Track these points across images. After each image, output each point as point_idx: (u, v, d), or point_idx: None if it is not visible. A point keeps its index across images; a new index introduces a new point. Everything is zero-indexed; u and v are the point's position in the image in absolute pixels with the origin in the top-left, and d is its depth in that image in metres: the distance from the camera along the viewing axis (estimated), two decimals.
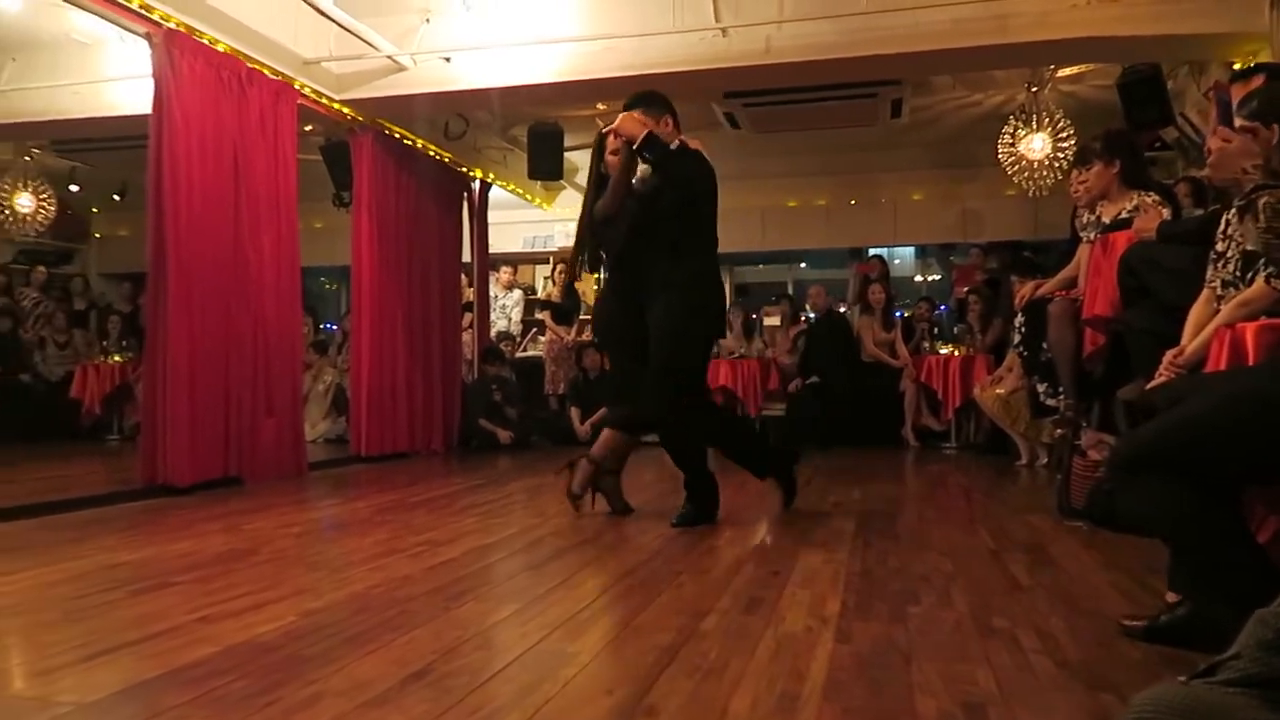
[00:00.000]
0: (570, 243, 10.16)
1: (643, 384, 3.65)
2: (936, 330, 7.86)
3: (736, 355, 8.01)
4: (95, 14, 4.61)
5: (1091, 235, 3.94)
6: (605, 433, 3.98)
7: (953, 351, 7.32)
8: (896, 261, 10.58)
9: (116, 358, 8.49)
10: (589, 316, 9.74)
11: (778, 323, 8.33)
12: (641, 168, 3.62)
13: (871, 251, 9.10)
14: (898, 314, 8.10)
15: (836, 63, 5.37)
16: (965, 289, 8.01)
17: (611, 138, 3.63)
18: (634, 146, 3.48)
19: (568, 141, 7.76)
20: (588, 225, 3.69)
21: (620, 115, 3.56)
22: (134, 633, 2.10)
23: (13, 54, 6.25)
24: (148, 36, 4.72)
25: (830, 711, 1.59)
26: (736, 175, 9.21)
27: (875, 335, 7.64)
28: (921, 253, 10.89)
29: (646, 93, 3.76)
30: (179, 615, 2.25)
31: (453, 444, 7.47)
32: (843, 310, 8.99)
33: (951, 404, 7.16)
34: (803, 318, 8.77)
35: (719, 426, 4.06)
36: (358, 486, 5.25)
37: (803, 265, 10.96)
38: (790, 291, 9.91)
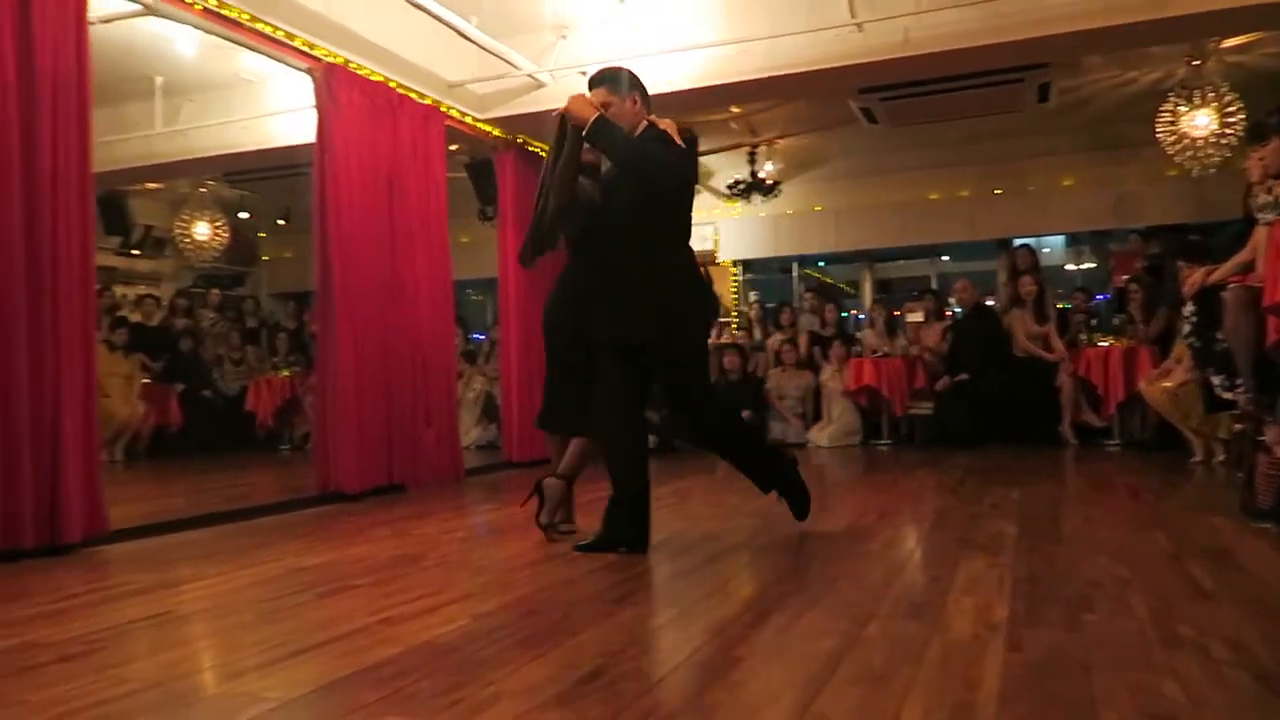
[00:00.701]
0: (706, 246, 10.26)
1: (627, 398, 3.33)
2: (1094, 321, 7.48)
3: (880, 353, 7.86)
4: (263, 54, 4.94)
5: (1270, 216, 3.68)
6: (571, 445, 3.59)
7: (1113, 343, 6.96)
8: (1046, 251, 10.11)
9: (285, 372, 9.06)
10: (729, 319, 9.79)
11: (921, 319, 8.12)
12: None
13: (1018, 241, 8.74)
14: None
15: (979, 50, 5.20)
16: (1125, 277, 7.60)
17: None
18: (582, 132, 3.15)
19: (702, 146, 7.79)
20: (541, 213, 3.38)
21: (571, 96, 3.24)
22: (324, 633, 2.25)
23: (190, 95, 6.78)
24: (309, 71, 5.04)
25: None
26: (874, 170, 9.08)
27: (1028, 328, 7.34)
28: (1073, 241, 10.37)
29: (610, 69, 3.36)
30: (362, 617, 2.39)
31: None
32: (990, 303, 8.68)
33: (1114, 399, 6.81)
34: (947, 312, 8.52)
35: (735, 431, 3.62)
36: (512, 491, 5.42)
37: (945, 259, 10.61)
38: (934, 286, 9.63)
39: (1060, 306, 7.94)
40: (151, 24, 4.98)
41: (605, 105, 3.20)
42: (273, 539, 3.78)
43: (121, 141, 6.75)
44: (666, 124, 3.28)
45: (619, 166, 3.25)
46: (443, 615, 2.39)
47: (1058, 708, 1.62)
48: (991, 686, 1.73)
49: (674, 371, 3.27)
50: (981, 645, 1.98)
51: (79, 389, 3.55)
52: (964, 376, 7.40)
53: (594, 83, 3.30)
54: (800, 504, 3.50)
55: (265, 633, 2.29)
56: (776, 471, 3.49)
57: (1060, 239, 10.38)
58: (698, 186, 9.11)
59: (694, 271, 3.38)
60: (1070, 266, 10.56)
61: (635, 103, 3.27)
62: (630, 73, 3.34)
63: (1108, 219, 8.65)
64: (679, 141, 3.25)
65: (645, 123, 3.27)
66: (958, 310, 8.38)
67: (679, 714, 1.63)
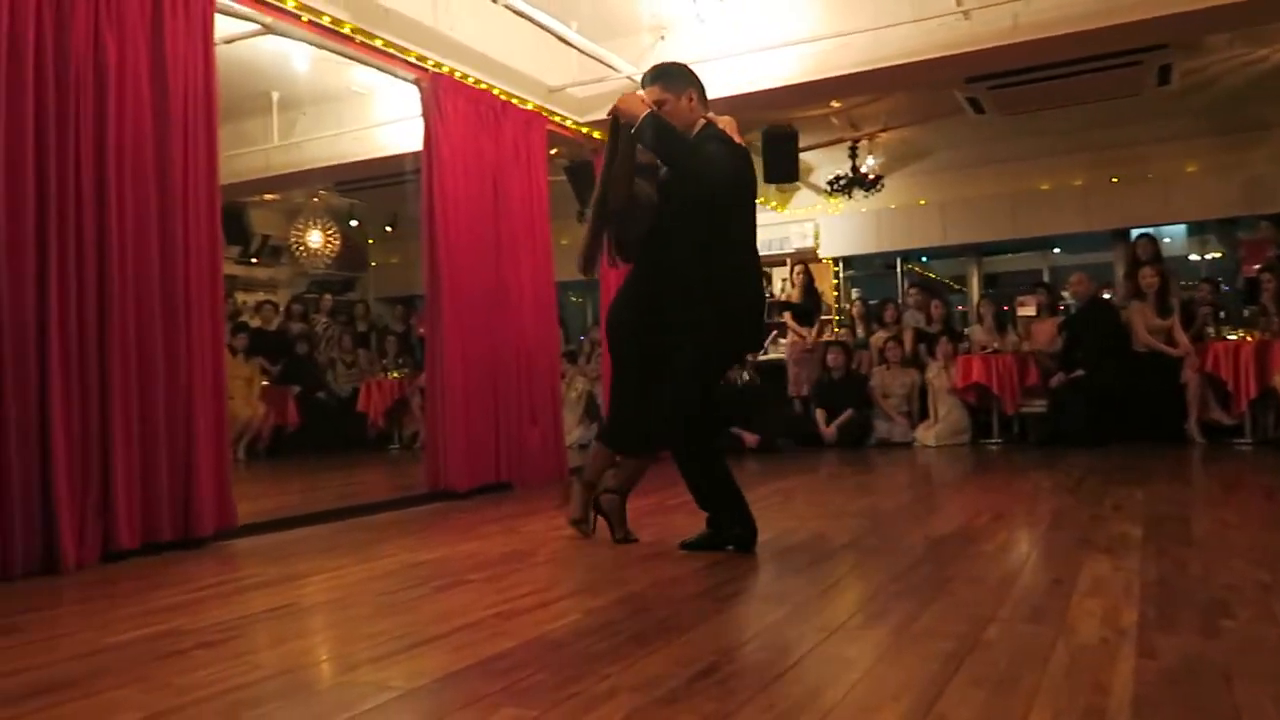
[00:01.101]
0: (806, 243, 10.15)
1: (653, 398, 3.23)
2: (1222, 314, 7.10)
3: (990, 350, 7.63)
4: (373, 67, 5.12)
5: None
6: (592, 448, 3.57)
7: (1244, 337, 6.59)
8: (1166, 241, 9.65)
9: (394, 374, 9.35)
10: (830, 316, 9.66)
11: (1033, 313, 7.84)
12: None
13: (1137, 231, 8.36)
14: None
15: (1094, 33, 5.00)
16: (1256, 266, 7.19)
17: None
18: (631, 130, 3.03)
19: (801, 142, 7.72)
20: (600, 216, 3.28)
21: (623, 93, 3.16)
22: (440, 626, 2.32)
23: (304, 109, 7.06)
24: (417, 82, 5.19)
25: None
26: (981, 161, 8.82)
27: (1149, 322, 7.01)
28: (1197, 229, 9.87)
29: (666, 65, 3.23)
30: (477, 611, 2.45)
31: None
32: (1107, 296, 8.34)
33: (1244, 395, 6.45)
34: (1060, 307, 8.21)
35: (712, 464, 3.25)
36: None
37: (1057, 251, 10.24)
38: (1046, 279, 9.30)
39: (1184, 299, 7.58)
40: (270, 42, 5.21)
41: (659, 103, 3.06)
42: (387, 535, 3.90)
43: (242, 155, 7.08)
44: (726, 122, 3.14)
45: (669, 167, 3.12)
46: (555, 610, 2.43)
47: (1200, 717, 1.55)
48: (1123, 693, 1.66)
49: (681, 354, 3.10)
50: (1111, 650, 1.91)
51: (210, 392, 3.74)
52: (1080, 373, 7.12)
53: (648, 79, 3.16)
54: (745, 536, 3.18)
55: (384, 625, 2.36)
56: (724, 498, 3.23)
57: (1182, 228, 9.91)
58: (796, 185, 9.10)
59: (745, 281, 3.18)
60: (1194, 256, 10.07)
61: (691, 100, 3.11)
62: (686, 68, 3.19)
63: (1235, 206, 8.21)
64: (738, 139, 3.12)
65: (703, 121, 3.12)
66: (1072, 304, 8.07)
67: (794, 712, 1.61)
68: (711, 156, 3.02)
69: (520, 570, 3.01)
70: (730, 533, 3.17)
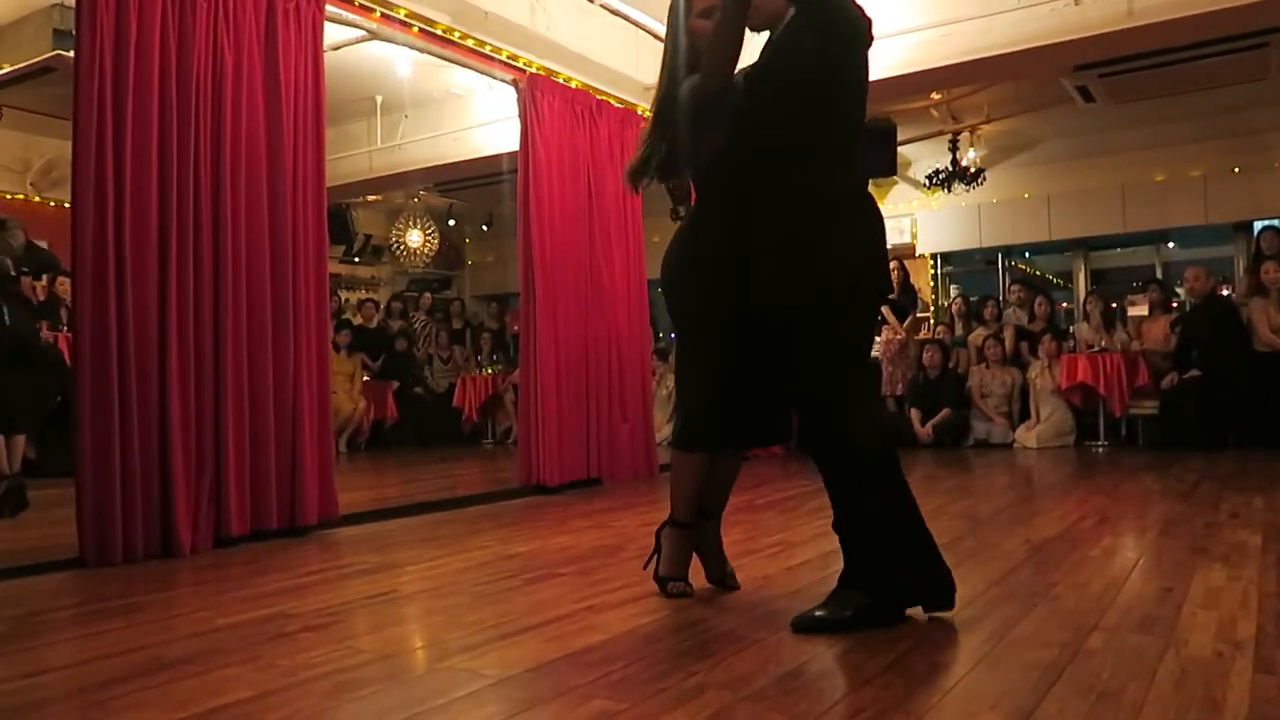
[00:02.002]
0: (903, 239, 9.96)
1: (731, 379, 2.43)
2: None
3: (1096, 349, 7.33)
4: (471, 68, 5.24)
5: None
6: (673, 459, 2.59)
7: None
8: None
9: (489, 370, 9.53)
10: (927, 314, 9.44)
11: (1145, 312, 7.51)
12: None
13: (1260, 224, 7.91)
14: None
15: (1215, 15, 4.74)
16: None
17: None
18: None
19: (900, 136, 7.57)
20: (664, 124, 2.47)
21: None
22: (534, 617, 2.36)
23: (405, 111, 7.26)
24: (514, 83, 5.28)
25: None
26: (1090, 152, 8.49)
27: (1272, 320, 6.63)
28: None
29: None
30: (569, 604, 2.49)
31: (791, 447, 7.52)
32: (1226, 293, 7.92)
33: None
34: (1174, 304, 7.85)
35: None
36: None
37: (1170, 245, 9.77)
38: (1158, 275, 8.89)
39: None
40: (374, 48, 5.38)
41: None
42: (481, 527, 3.99)
43: (346, 158, 7.32)
44: None
45: (811, 18, 2.23)
46: (644, 606, 2.44)
47: None
48: (1238, 709, 1.58)
49: (809, 355, 2.23)
50: (1225, 664, 1.82)
51: (315, 386, 3.89)
52: (1195, 373, 6.78)
53: None
54: (940, 591, 2.22)
55: (479, 614, 2.42)
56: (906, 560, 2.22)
57: None
58: (893, 179, 8.91)
59: (868, 201, 2.35)
60: None
61: None
62: None
63: None
64: None
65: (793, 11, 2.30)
66: (1187, 301, 7.70)
67: (886, 716, 1.59)
68: (858, 18, 2.29)
69: (610, 565, 3.04)
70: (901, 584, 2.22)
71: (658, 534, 2.59)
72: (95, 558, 3.14)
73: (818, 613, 2.17)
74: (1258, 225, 7.83)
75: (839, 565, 2.96)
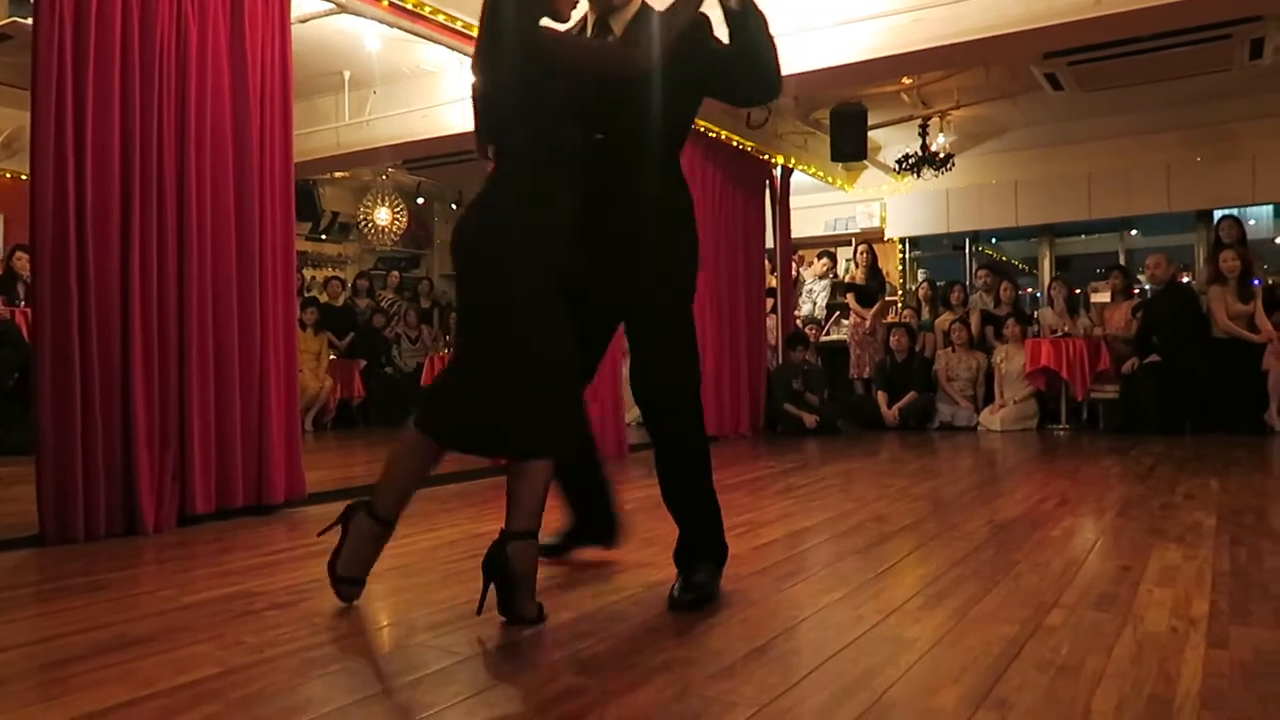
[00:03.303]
0: (872, 223, 10.01)
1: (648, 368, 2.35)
2: None
3: (1060, 334, 7.44)
4: (443, 44, 5.16)
5: None
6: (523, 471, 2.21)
7: None
8: (1251, 223, 9.29)
9: None
10: (894, 297, 9.52)
11: (1108, 298, 7.62)
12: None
13: (1220, 213, 8.06)
14: (1255, 282, 7.10)
15: (1181, 6, 4.79)
16: None
17: None
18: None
19: (870, 120, 7.60)
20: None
21: None
22: None
23: (374, 87, 7.16)
24: None
25: None
26: (1057, 140, 8.58)
27: (1230, 307, 6.76)
28: None
29: None
30: (540, 581, 2.48)
31: (759, 428, 7.59)
32: (1187, 280, 8.07)
33: None
34: (1135, 290, 7.97)
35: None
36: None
37: (1134, 233, 9.93)
38: (1121, 262, 9.03)
39: (1268, 283, 7.29)
40: (343, 21, 5.29)
41: None
42: (450, 506, 3.98)
43: (313, 134, 7.21)
44: None
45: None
46: (614, 584, 2.46)
47: (1272, 711, 1.51)
48: (1192, 683, 1.62)
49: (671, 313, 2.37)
50: (1180, 639, 1.87)
51: (282, 364, 3.85)
52: (1155, 358, 6.91)
53: None
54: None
55: (447, 592, 2.42)
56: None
57: (1268, 209, 9.53)
58: (863, 163, 8.95)
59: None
60: None
61: None
62: None
63: None
64: None
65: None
66: (1148, 288, 7.82)
67: (854, 689, 1.62)
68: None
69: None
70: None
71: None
72: (56, 535, 3.09)
73: (687, 595, 2.22)
74: (1217, 214, 7.98)
75: (806, 545, 3.00)
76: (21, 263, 6.69)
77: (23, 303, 6.25)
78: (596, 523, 2.75)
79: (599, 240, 2.28)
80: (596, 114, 2.24)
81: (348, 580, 2.24)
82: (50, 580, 2.67)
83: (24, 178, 6.03)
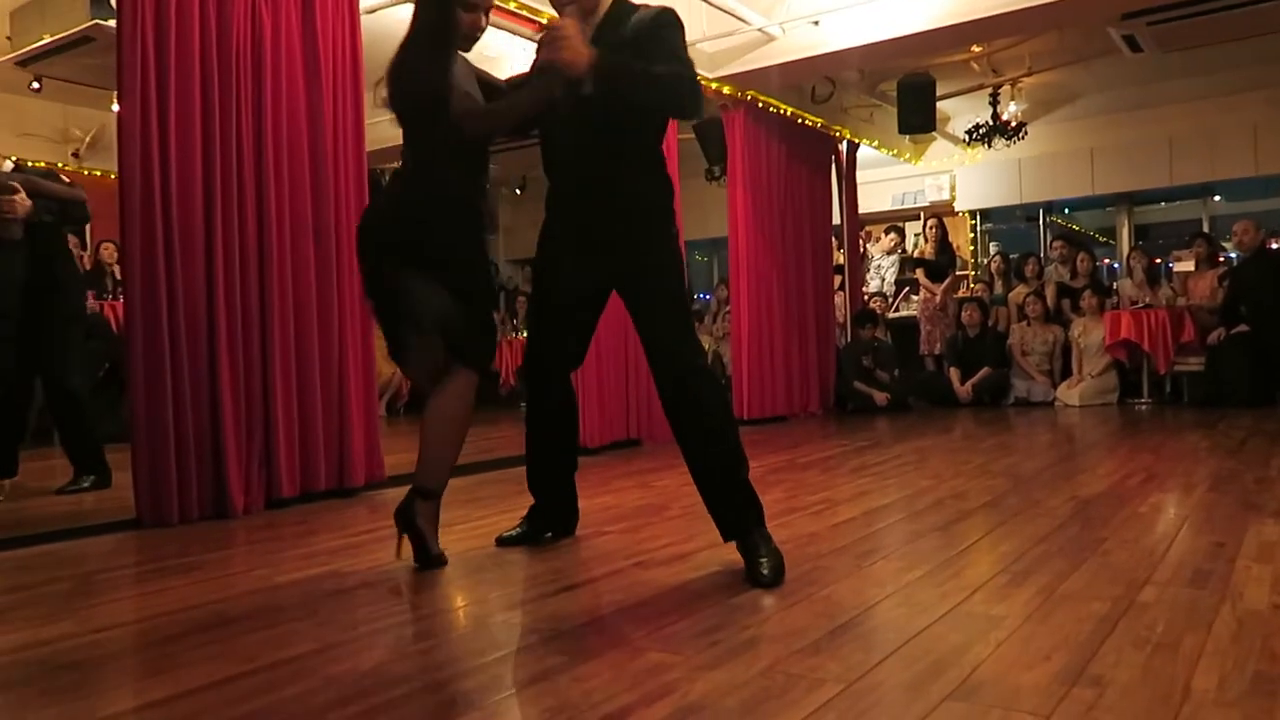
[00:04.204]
0: (941, 196, 9.81)
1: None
2: None
3: (1141, 305, 7.21)
4: (505, 29, 5.19)
5: None
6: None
7: None
8: None
9: (525, 334, 9.56)
10: (965, 272, 9.32)
11: (1191, 267, 7.36)
12: None
13: None
14: None
15: None
16: None
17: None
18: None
19: (939, 90, 7.43)
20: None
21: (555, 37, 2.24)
22: (584, 574, 2.40)
23: None
24: None
25: None
26: (1136, 104, 8.29)
27: None
28: None
29: None
30: (618, 560, 2.52)
31: (829, 406, 7.52)
32: (1276, 246, 7.75)
33: None
34: (1221, 258, 7.68)
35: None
36: (746, 448, 5.47)
37: (1217, 199, 9.56)
38: (1206, 229, 8.70)
39: None
40: (408, 11, 5.33)
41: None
42: (523, 487, 3.96)
43: (383, 122, 7.32)
44: None
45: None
46: (693, 562, 2.47)
47: None
48: None
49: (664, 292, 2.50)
50: None
51: (360, 349, 3.93)
52: (1244, 328, 6.66)
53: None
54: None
55: (529, 571, 2.46)
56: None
57: None
58: (931, 135, 8.75)
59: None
60: None
61: None
62: None
63: None
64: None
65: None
66: (1235, 255, 7.53)
67: (943, 665, 1.60)
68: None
69: (656, 523, 3.07)
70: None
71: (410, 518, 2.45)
72: (151, 519, 3.22)
73: (767, 565, 2.25)
74: None
75: (884, 522, 2.98)
76: (108, 253, 6.94)
77: (111, 296, 6.49)
78: (558, 510, 2.86)
79: (579, 231, 2.53)
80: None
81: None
82: (148, 562, 2.78)
83: (111, 175, 6.25)
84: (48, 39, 5.75)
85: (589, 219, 2.51)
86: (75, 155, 7.89)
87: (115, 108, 3.35)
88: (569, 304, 2.64)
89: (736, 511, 2.36)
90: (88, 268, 6.97)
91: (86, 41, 5.67)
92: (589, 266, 2.52)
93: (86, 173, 7.89)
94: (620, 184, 2.46)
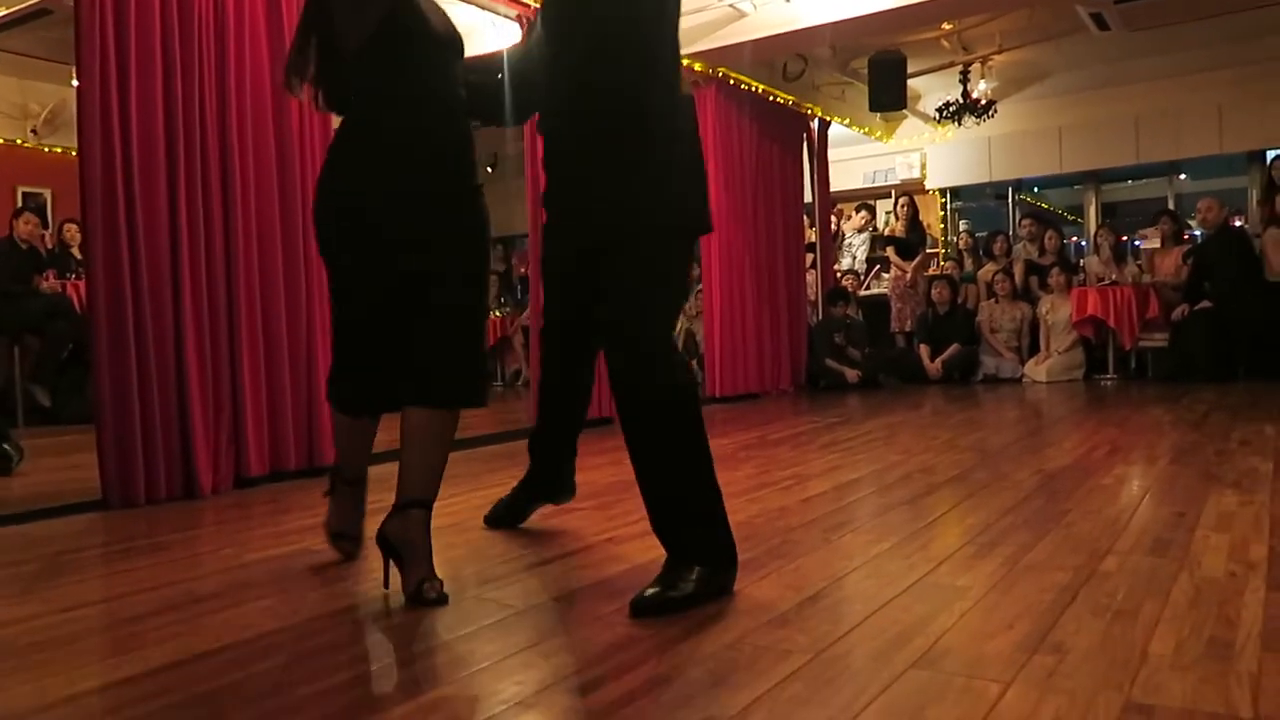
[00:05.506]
0: (912, 174, 9.86)
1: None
2: None
3: (1107, 282, 7.30)
4: (475, 5, 5.15)
5: None
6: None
7: None
8: None
9: (496, 313, 9.52)
10: (935, 249, 9.39)
11: (1157, 245, 7.46)
12: None
13: (1274, 153, 7.81)
14: None
15: None
16: None
17: None
18: None
19: (909, 68, 7.44)
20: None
21: None
22: (556, 550, 2.40)
23: None
24: (519, 18, 5.20)
25: (1276, 662, 1.45)
26: (1103, 82, 8.35)
27: None
28: None
29: None
30: (588, 536, 2.53)
31: (800, 383, 7.57)
32: (1239, 224, 7.86)
33: None
34: (1186, 235, 7.79)
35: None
36: (717, 425, 5.50)
37: (1183, 177, 9.67)
38: (1171, 207, 8.81)
39: None
40: None
41: None
42: (496, 465, 4.02)
43: None
44: None
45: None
46: None
47: None
48: (1253, 626, 1.61)
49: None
50: (1239, 584, 1.85)
51: (329, 330, 3.89)
52: (1207, 304, 6.77)
53: None
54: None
55: (501, 548, 2.46)
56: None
57: None
58: (902, 113, 8.78)
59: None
60: None
61: None
62: None
63: None
64: None
65: None
66: (1198, 233, 7.64)
67: (908, 635, 1.63)
68: None
69: (627, 499, 3.06)
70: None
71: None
72: (118, 499, 3.18)
73: (654, 591, 1.84)
74: (1270, 154, 7.73)
75: (854, 496, 3.01)
76: (71, 234, 6.82)
77: (74, 275, 6.38)
78: (555, 480, 2.74)
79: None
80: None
81: (337, 534, 2.35)
82: (116, 542, 2.75)
83: (71, 153, 6.13)
84: (3, 11, 5.62)
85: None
86: (34, 132, 7.73)
87: (75, 83, 3.28)
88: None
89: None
90: (50, 247, 6.86)
91: (44, 14, 5.55)
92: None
93: (46, 149, 7.75)
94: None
